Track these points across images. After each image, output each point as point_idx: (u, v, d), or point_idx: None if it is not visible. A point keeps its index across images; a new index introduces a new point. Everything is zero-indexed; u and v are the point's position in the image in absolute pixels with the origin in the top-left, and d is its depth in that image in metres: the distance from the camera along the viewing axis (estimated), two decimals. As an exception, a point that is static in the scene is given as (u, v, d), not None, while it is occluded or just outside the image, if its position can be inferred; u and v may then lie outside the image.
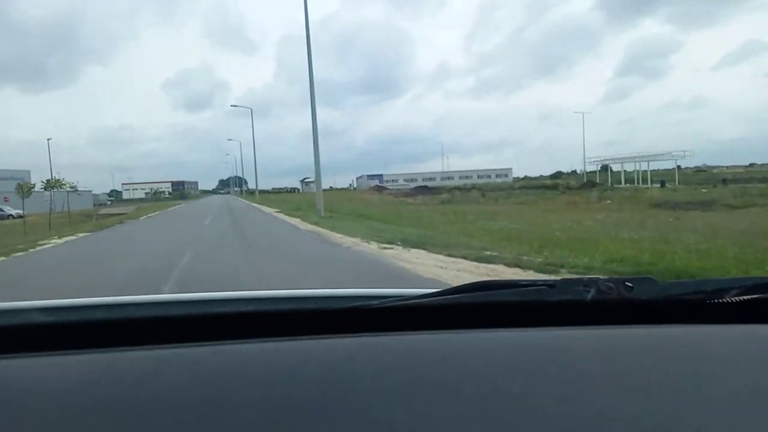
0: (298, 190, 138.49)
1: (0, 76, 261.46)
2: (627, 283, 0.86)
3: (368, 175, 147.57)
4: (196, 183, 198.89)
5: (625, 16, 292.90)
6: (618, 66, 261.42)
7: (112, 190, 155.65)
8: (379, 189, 63.88)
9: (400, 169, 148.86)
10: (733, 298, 0.85)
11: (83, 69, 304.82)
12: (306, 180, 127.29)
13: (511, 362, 0.71)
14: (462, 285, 0.91)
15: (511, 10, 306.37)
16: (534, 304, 0.88)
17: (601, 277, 0.89)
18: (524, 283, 0.90)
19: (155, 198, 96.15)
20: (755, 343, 0.77)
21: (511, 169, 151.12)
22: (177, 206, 48.88)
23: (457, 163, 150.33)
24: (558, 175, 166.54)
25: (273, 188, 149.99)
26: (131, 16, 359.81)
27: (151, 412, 0.59)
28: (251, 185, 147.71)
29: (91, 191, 59.93)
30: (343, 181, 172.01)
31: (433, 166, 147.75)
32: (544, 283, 0.89)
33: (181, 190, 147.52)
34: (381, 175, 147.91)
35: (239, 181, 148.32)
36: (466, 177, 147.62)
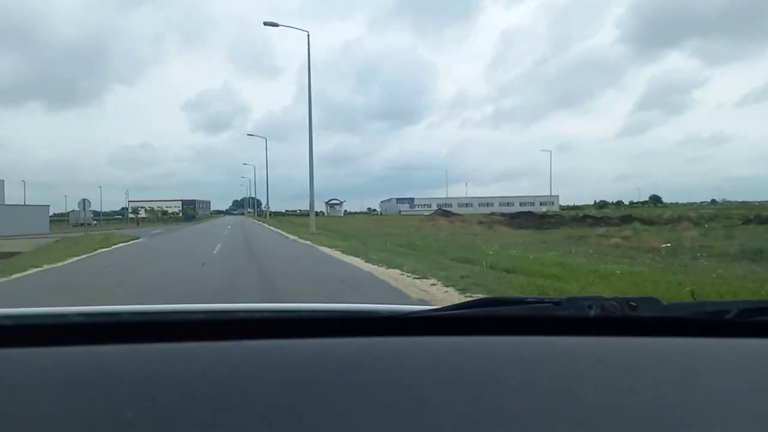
0: (323, 213, 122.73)
1: (26, 93, 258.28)
2: (631, 303, 0.87)
3: (397, 199, 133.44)
4: (209, 203, 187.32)
5: (649, 50, 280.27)
6: (638, 99, 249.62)
7: (122, 208, 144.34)
8: (445, 214, 48.81)
9: (415, 194, 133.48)
10: (731, 319, 0.86)
11: (107, 88, 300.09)
12: (331, 202, 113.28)
13: (515, 363, 0.76)
14: (471, 300, 0.94)
15: (534, 42, 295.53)
16: (539, 319, 0.90)
17: (605, 296, 0.91)
18: (531, 300, 0.93)
19: (158, 218, 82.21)
20: (752, 355, 0.81)
21: (557, 196, 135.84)
22: (158, 233, 32.23)
23: (473, 191, 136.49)
24: (604, 204, 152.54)
25: (287, 210, 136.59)
26: (158, 40, 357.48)
27: (174, 397, 0.63)
28: (264, 207, 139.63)
29: (48, 206, 45.01)
30: (355, 205, 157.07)
31: (450, 192, 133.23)
32: (551, 300, 0.91)
33: (189, 209, 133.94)
34: (412, 199, 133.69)
35: (253, 202, 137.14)
36: (507, 204, 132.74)
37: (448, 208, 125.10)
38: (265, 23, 25.41)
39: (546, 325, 0.89)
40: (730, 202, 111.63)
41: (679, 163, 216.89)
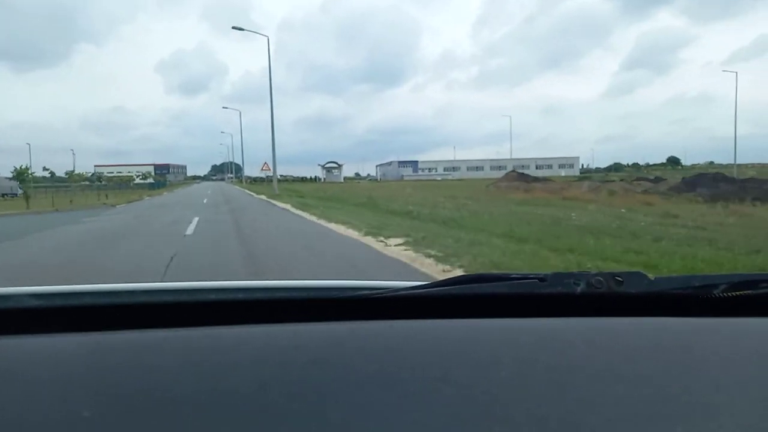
0: (319, 179, 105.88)
1: None
2: (617, 278, 0.87)
3: (399, 162, 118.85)
4: (184, 167, 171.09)
5: (640, 7, 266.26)
6: (625, 60, 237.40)
7: (92, 174, 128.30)
8: (522, 178, 34.28)
9: (399, 157, 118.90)
10: (720, 294, 0.87)
11: (77, 48, 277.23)
12: (328, 165, 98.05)
13: (497, 348, 0.74)
14: (452, 278, 0.92)
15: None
16: (523, 297, 0.89)
17: (591, 271, 0.90)
18: (515, 276, 0.91)
19: (121, 185, 66.86)
20: (741, 334, 0.80)
21: (577, 158, 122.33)
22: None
23: (460, 155, 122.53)
24: (619, 167, 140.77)
25: (267, 176, 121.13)
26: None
27: (143, 391, 0.60)
28: (248, 171, 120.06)
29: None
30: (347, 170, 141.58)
31: (435, 156, 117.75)
32: (535, 276, 0.90)
33: (159, 176, 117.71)
34: (415, 162, 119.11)
35: (233, 167, 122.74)
36: (522, 166, 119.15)
37: (418, 173, 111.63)
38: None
39: (531, 303, 0.88)
40: (712, 164, 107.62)
41: (665, 123, 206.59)
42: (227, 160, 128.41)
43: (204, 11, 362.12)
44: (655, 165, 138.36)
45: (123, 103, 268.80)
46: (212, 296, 0.88)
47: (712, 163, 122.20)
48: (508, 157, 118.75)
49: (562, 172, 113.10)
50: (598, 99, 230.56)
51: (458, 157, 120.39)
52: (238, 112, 56.78)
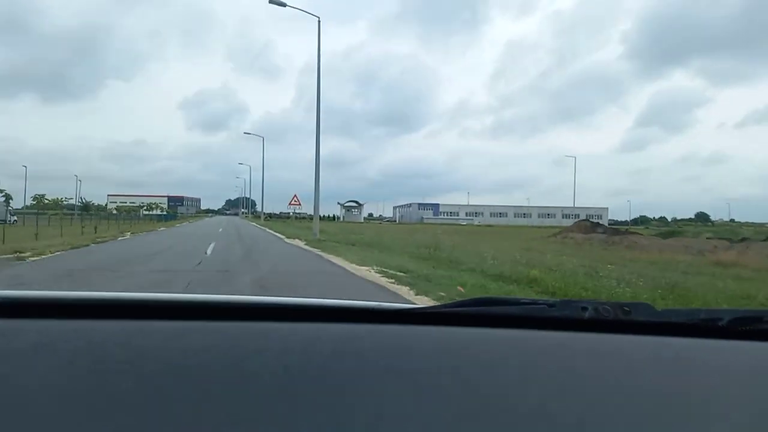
0: (337, 217, 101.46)
1: (22, 84, 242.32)
2: (624, 308, 0.88)
3: (419, 204, 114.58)
4: (198, 200, 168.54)
5: (655, 67, 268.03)
6: (639, 116, 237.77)
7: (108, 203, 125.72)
8: (596, 227, 29.47)
9: (412, 199, 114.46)
10: (724, 326, 0.87)
11: (104, 83, 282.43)
12: (348, 204, 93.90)
13: (505, 352, 0.77)
14: (465, 299, 0.93)
15: (540, 55, 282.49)
16: (533, 320, 0.90)
17: (600, 300, 0.92)
18: (525, 301, 0.94)
19: (124, 216, 62.82)
20: (744, 355, 0.82)
21: (606, 209, 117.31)
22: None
23: (475, 201, 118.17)
24: (646, 220, 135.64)
25: (281, 212, 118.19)
26: (158, 35, 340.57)
27: (179, 369, 0.65)
28: (258, 208, 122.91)
29: None
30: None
31: (447, 200, 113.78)
32: (545, 302, 0.91)
33: (171, 210, 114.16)
34: (437, 205, 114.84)
35: (247, 203, 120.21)
36: (548, 215, 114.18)
37: (476, 216, 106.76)
38: (271, 1, 21.80)
39: (540, 326, 0.89)
40: (733, 221, 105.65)
41: (675, 180, 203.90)
42: (242, 195, 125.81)
43: (228, 52, 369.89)
44: (684, 220, 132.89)
45: (145, 137, 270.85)
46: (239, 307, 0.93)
47: (733, 220, 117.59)
48: (552, 205, 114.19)
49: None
50: (609, 153, 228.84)
51: (471, 203, 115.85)
52: (261, 138, 54.99)
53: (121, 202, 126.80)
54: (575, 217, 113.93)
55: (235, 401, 0.57)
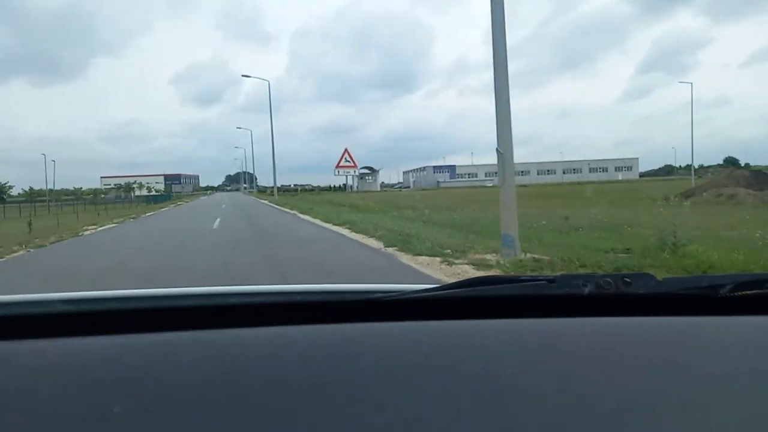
0: (347, 187, 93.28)
1: (10, 69, 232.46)
2: (625, 279, 0.88)
3: (434, 167, 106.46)
4: (196, 177, 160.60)
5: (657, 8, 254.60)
6: (641, 63, 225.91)
7: (106, 185, 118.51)
8: (761, 178, 21.31)
9: (416, 165, 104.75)
10: (726, 293, 0.87)
11: (93, 62, 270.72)
12: (361, 171, 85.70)
13: (505, 348, 0.75)
14: (465, 280, 0.93)
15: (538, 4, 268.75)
16: (533, 298, 0.91)
17: (600, 273, 0.91)
18: (525, 278, 0.94)
19: (120, 197, 55.29)
20: (746, 331, 0.81)
21: (636, 159, 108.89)
22: None
23: (477, 160, 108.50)
24: (671, 169, 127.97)
25: (282, 185, 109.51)
26: (145, 7, 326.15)
27: (169, 386, 0.63)
28: (261, 182, 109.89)
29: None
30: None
31: (452, 162, 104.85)
32: (545, 278, 0.91)
33: (169, 188, 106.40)
34: (452, 167, 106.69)
35: (248, 177, 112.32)
36: (573, 170, 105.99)
37: (455, 179, 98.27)
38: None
39: (540, 305, 0.89)
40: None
41: (682, 126, 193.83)
42: (242, 169, 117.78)
43: (217, 21, 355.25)
44: (711, 166, 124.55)
45: (139, 116, 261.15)
46: (233, 300, 0.90)
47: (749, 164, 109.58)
48: (575, 158, 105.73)
49: (620, 176, 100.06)
50: (613, 103, 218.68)
51: (475, 163, 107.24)
52: (249, 132, 47.42)
53: (115, 184, 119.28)
54: (603, 170, 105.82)
55: (231, 412, 0.57)
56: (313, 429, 0.55)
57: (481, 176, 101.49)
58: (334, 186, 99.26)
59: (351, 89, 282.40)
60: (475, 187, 73.60)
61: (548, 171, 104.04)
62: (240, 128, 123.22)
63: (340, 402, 0.59)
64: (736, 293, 0.86)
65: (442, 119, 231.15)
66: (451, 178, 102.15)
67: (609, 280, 0.86)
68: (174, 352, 0.73)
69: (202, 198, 73.73)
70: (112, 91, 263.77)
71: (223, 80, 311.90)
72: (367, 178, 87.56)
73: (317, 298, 0.92)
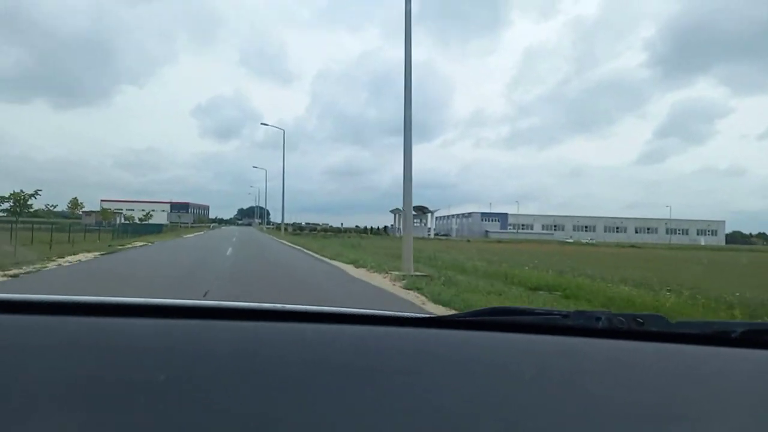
0: (386, 228, 77.45)
1: (33, 89, 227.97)
2: (638, 319, 0.89)
3: (482, 214, 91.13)
4: (207, 207, 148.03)
5: (677, 75, 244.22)
6: (658, 127, 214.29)
7: (114, 209, 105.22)
8: None
9: (480, 209, 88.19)
10: (737, 338, 0.88)
11: (116, 89, 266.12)
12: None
13: (519, 358, 0.79)
14: (481, 309, 0.95)
15: (557, 62, 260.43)
16: (547, 328, 0.91)
17: (613, 312, 0.92)
18: (540, 311, 0.95)
19: (100, 224, 40.97)
20: (756, 363, 0.83)
21: (723, 222, 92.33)
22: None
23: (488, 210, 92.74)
24: (740, 236, 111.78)
25: (294, 223, 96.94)
26: (169, 39, 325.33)
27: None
28: (273, 218, 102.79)
29: None
30: (371, 219, 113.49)
31: (460, 210, 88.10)
32: (559, 312, 0.93)
33: (176, 215, 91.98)
34: (504, 215, 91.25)
35: (262, 212, 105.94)
36: (647, 230, 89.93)
37: (556, 230, 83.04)
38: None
39: (554, 333, 0.90)
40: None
41: (692, 193, 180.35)
42: (256, 204, 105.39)
43: (242, 56, 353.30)
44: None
45: (157, 144, 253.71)
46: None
47: None
48: (645, 216, 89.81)
49: (702, 240, 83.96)
50: (627, 165, 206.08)
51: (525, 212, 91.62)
52: (264, 171, 57.52)
53: (116, 209, 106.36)
54: (683, 233, 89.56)
55: (252, 398, 0.59)
56: (331, 412, 0.58)
57: (537, 227, 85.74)
58: (368, 228, 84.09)
59: (365, 132, 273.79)
60: (532, 240, 57.86)
61: (617, 228, 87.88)
62: (256, 167, 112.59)
63: (358, 392, 0.63)
64: (746, 338, 0.86)
65: (455, 168, 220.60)
66: (502, 228, 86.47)
67: (622, 318, 0.87)
68: (202, 336, 0.77)
69: (206, 233, 51.42)
70: (133, 118, 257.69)
71: (242, 115, 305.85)
72: (415, 221, 72.60)
73: (332, 313, 0.93)
